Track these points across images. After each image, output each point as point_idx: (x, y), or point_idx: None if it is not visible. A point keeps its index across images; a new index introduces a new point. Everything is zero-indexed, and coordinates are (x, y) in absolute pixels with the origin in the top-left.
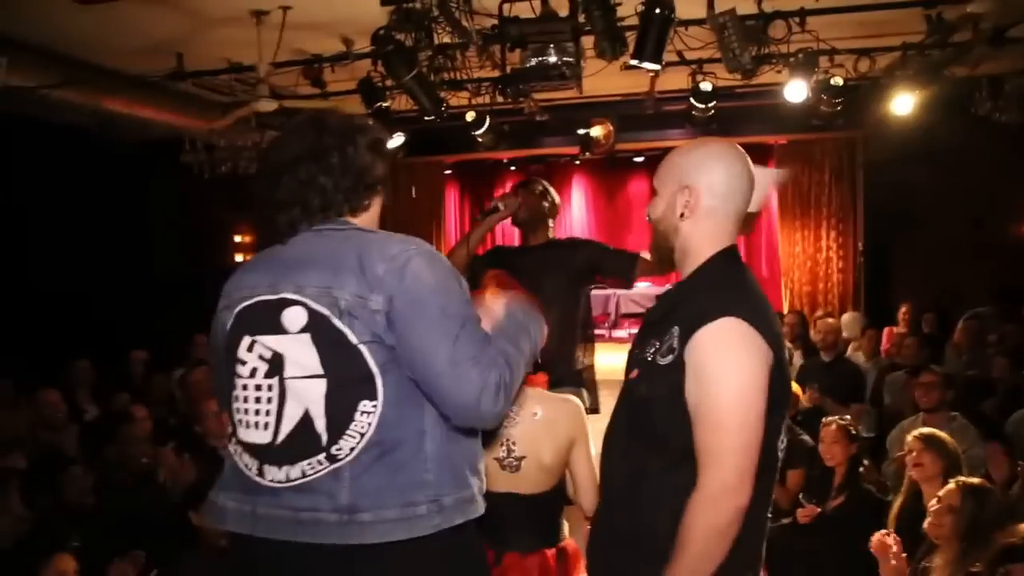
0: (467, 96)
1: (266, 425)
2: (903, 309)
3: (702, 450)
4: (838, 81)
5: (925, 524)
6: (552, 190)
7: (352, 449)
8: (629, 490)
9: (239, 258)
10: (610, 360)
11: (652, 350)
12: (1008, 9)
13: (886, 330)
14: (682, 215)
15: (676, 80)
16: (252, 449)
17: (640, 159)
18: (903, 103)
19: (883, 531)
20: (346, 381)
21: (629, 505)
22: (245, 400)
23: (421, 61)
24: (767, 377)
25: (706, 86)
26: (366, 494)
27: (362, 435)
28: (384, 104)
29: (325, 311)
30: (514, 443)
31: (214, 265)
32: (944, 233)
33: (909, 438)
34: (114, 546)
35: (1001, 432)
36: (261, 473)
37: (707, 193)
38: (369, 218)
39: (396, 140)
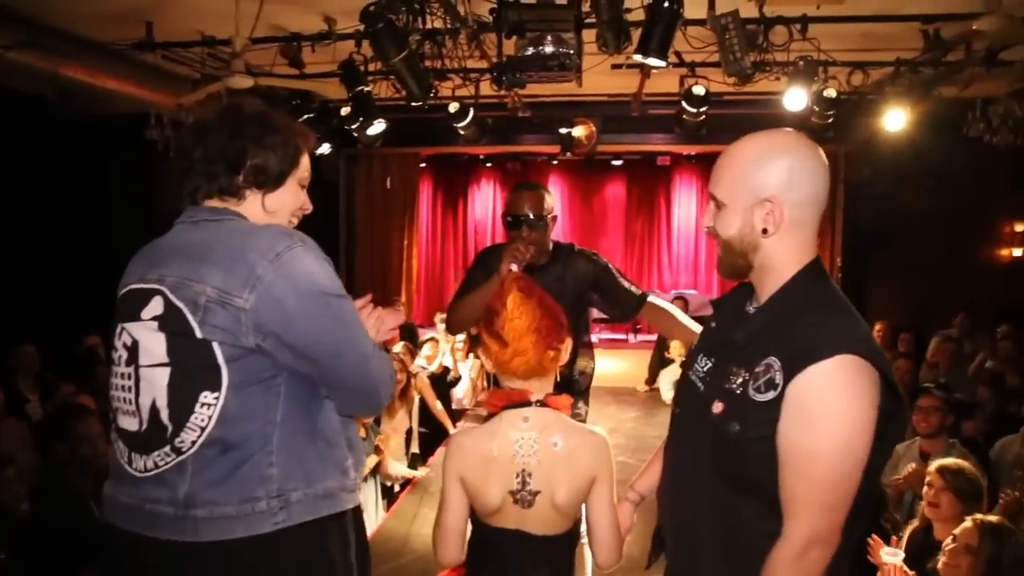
0: (450, 86)
1: (133, 413)
2: (878, 327)
3: (792, 498)
4: (831, 93)
5: (939, 565)
6: (547, 199)
7: (194, 443)
8: (717, 536)
9: None
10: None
11: (740, 381)
12: (1013, 29)
13: None
14: (765, 231)
15: (664, 83)
16: (124, 436)
17: (618, 162)
18: (895, 120)
19: (889, 551)
20: (189, 370)
21: (720, 553)
22: (119, 388)
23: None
24: (876, 420)
25: (699, 90)
26: (205, 489)
27: (202, 429)
28: (366, 88)
29: (180, 304)
30: (530, 474)
31: None
32: (920, 253)
33: (931, 468)
34: (56, 561)
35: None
36: (129, 461)
37: (791, 204)
38: (248, 210)
39: (377, 127)
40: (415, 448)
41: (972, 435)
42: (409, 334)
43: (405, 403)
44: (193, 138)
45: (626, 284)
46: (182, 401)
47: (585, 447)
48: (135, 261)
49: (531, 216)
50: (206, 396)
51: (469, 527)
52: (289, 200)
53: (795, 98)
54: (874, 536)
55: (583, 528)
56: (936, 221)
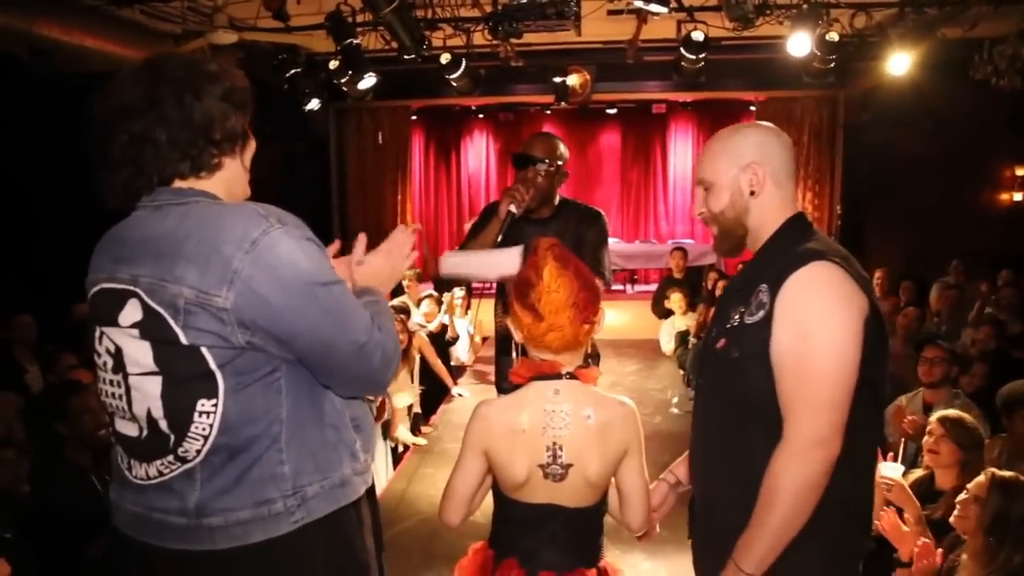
0: (441, 36)
1: (130, 419)
2: (878, 275)
3: (790, 401)
4: (834, 36)
5: (952, 517)
6: (560, 148)
7: (199, 451)
8: (730, 464)
9: None
10: None
11: (737, 316)
12: None
13: None
14: (752, 192)
15: (661, 29)
16: (124, 441)
17: (613, 111)
18: (898, 63)
19: (892, 510)
20: (181, 379)
21: (733, 478)
22: (106, 394)
23: None
24: (862, 324)
25: (698, 36)
26: (217, 497)
27: (205, 438)
28: (355, 41)
29: (159, 308)
30: (561, 448)
31: None
32: (920, 199)
33: (932, 419)
34: (62, 540)
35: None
36: (129, 467)
37: (770, 168)
38: (223, 180)
39: (368, 81)
40: (417, 408)
41: (969, 390)
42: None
43: (406, 363)
44: (141, 117)
45: (599, 257)
46: (179, 411)
47: (617, 420)
48: (100, 254)
49: (540, 157)
50: (203, 404)
51: (492, 503)
52: (253, 150)
53: (799, 43)
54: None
55: (611, 496)
56: (937, 166)
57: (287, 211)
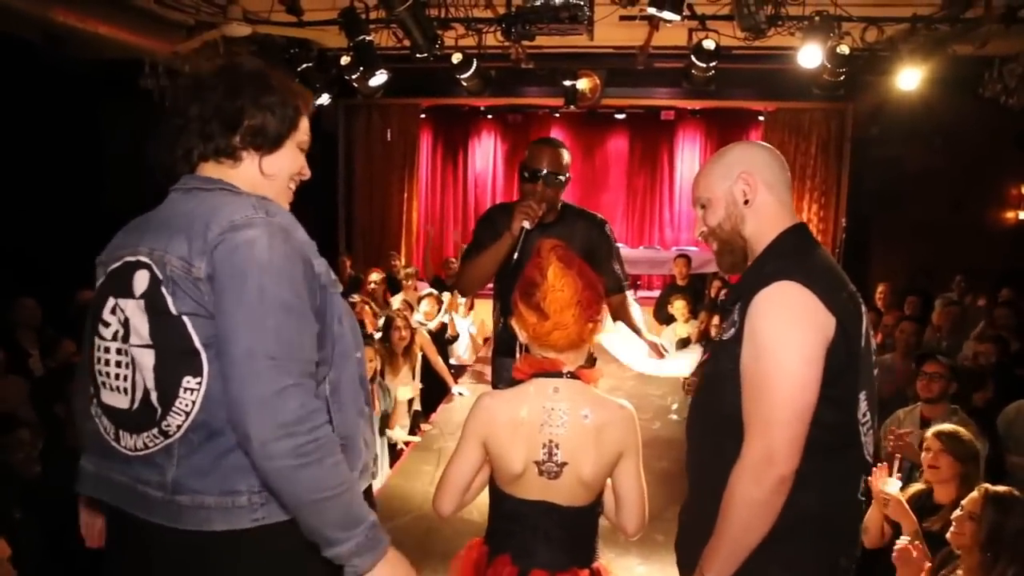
0: (453, 36)
1: (125, 390)
2: (881, 289)
3: (747, 418)
4: (844, 49)
5: (948, 533)
6: (567, 158)
7: (179, 427)
8: (708, 473)
9: None
10: None
11: (720, 332)
12: None
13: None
14: (746, 201)
15: (672, 36)
16: (111, 413)
17: (622, 116)
18: (908, 78)
19: (905, 539)
20: (171, 354)
21: (710, 487)
22: (107, 363)
23: None
24: (823, 344)
25: (709, 44)
26: (190, 476)
27: (187, 413)
28: (367, 38)
29: (160, 277)
30: (557, 446)
31: None
32: (926, 214)
33: (928, 434)
34: (64, 520)
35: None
36: (117, 439)
37: (761, 176)
38: (244, 176)
39: (379, 78)
40: (417, 405)
41: (981, 405)
42: (392, 286)
43: (409, 360)
44: (188, 95)
45: (615, 267)
46: (168, 385)
47: (614, 422)
48: (128, 232)
49: (550, 173)
50: (188, 381)
51: (488, 498)
52: (287, 164)
53: (810, 54)
54: (880, 465)
55: (607, 498)
56: (943, 182)
57: (294, 206)
